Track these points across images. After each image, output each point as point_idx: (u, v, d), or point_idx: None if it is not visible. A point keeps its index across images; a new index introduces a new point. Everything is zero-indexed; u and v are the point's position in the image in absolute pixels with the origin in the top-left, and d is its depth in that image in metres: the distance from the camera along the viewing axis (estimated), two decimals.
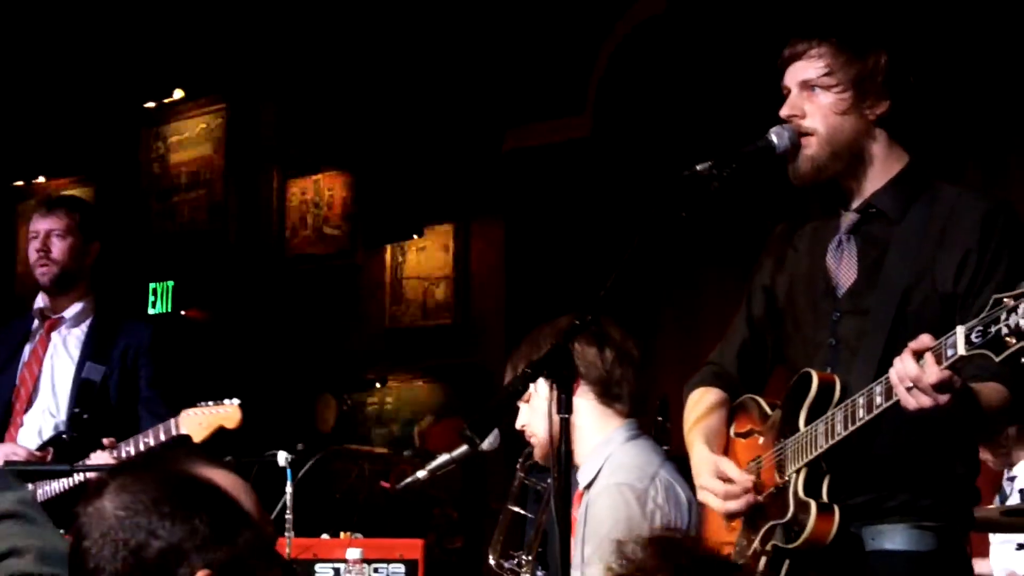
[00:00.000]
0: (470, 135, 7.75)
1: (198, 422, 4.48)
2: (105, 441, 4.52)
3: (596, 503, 3.41)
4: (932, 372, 2.64)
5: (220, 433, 4.49)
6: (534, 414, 3.61)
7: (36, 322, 4.99)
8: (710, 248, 6.93)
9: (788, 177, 3.14)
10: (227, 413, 4.50)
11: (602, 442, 3.53)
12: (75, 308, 4.99)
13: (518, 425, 3.68)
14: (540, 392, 3.55)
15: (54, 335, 4.98)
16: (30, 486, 4.62)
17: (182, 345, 8.10)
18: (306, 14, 8.10)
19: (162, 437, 4.51)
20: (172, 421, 4.51)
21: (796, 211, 3.37)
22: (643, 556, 1.64)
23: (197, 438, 4.47)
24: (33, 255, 4.94)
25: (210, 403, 4.51)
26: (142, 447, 4.52)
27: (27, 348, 4.95)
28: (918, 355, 2.67)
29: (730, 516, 3.14)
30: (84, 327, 4.99)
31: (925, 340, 2.67)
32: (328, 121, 8.24)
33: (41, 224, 4.97)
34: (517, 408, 3.63)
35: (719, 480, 3.13)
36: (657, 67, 7.31)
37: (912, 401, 2.68)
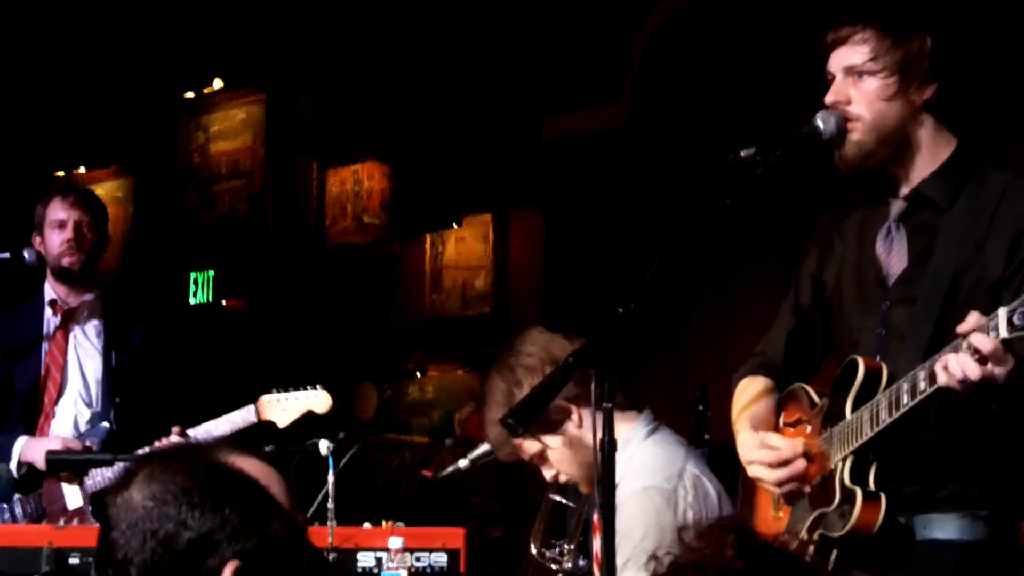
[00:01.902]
0: (508, 124, 7.73)
1: (282, 408, 4.50)
2: (174, 429, 4.53)
3: (624, 509, 3.36)
4: (985, 342, 2.61)
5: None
6: (560, 463, 3.59)
7: (49, 311, 5.00)
8: (746, 237, 6.89)
9: (834, 163, 3.11)
10: (316, 398, 4.52)
11: (621, 444, 3.48)
12: (89, 299, 5.01)
13: (548, 478, 3.66)
14: (551, 444, 3.54)
15: (71, 326, 4.98)
16: (88, 480, 4.65)
17: (206, 332, 8.15)
18: (344, 4, 8.10)
19: (239, 424, 4.51)
20: (251, 408, 4.52)
21: (834, 200, 3.35)
22: (706, 541, 1.61)
23: (282, 424, 4.49)
24: (63, 244, 4.94)
25: (290, 389, 4.53)
26: (216, 435, 4.52)
27: (44, 340, 4.96)
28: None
29: (780, 485, 3.10)
30: (98, 320, 5.00)
31: (972, 321, 2.64)
32: (367, 111, 8.24)
33: (70, 214, 4.96)
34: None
35: (765, 450, 3.10)
36: (695, 53, 7.26)
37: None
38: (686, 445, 3.61)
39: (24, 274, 5.02)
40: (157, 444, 4.48)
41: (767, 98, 6.43)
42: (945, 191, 3.05)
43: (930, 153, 3.08)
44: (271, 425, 4.51)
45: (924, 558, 2.95)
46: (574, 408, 3.48)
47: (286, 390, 4.54)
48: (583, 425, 3.47)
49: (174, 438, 4.50)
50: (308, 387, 4.54)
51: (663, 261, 2.85)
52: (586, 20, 7.44)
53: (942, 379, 2.67)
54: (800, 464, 3.05)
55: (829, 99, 3.08)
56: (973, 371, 2.62)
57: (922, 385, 2.76)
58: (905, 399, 2.80)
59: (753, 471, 3.14)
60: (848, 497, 2.92)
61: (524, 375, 3.51)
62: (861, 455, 2.94)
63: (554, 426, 3.50)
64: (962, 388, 2.66)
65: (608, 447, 2.68)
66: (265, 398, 4.53)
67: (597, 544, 2.90)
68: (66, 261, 4.95)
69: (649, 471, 3.42)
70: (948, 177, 3.06)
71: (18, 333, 4.98)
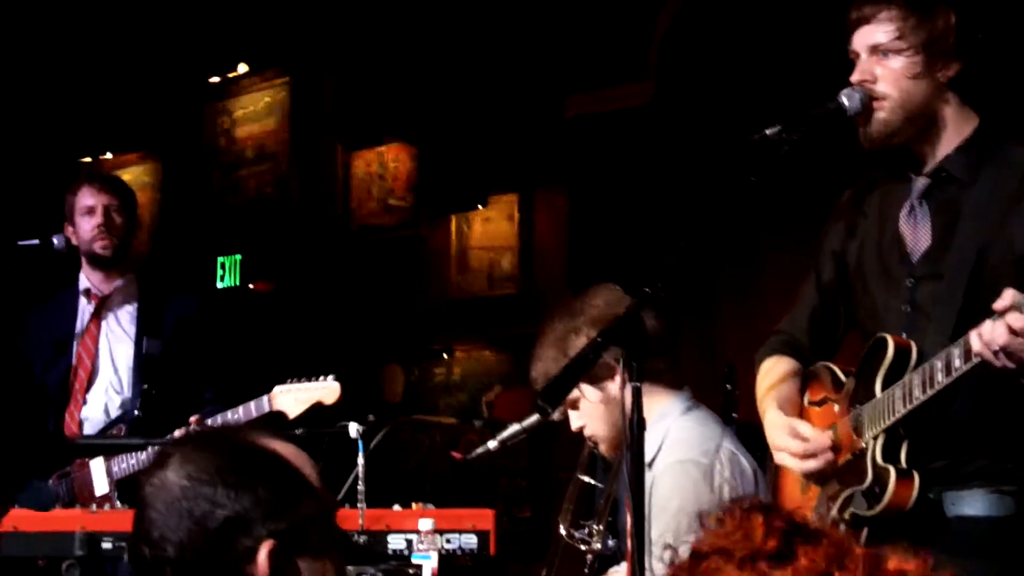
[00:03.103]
0: (532, 103, 7.72)
1: (293, 398, 4.47)
2: (192, 419, 4.54)
3: (661, 482, 3.37)
4: (1019, 320, 2.61)
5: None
6: (588, 417, 3.58)
7: (84, 300, 5.02)
8: (770, 215, 6.87)
9: (858, 141, 3.11)
10: (327, 388, 4.50)
11: (657, 417, 3.48)
12: (121, 285, 5.03)
13: (574, 428, 3.65)
14: (589, 396, 3.53)
15: (104, 313, 5.00)
16: (114, 467, 4.67)
17: (234, 315, 8.16)
18: None
19: (254, 413, 4.50)
20: (265, 398, 4.50)
21: (858, 178, 3.34)
22: (731, 525, 1.59)
23: (292, 414, 4.46)
24: (93, 229, 4.96)
25: (303, 379, 4.51)
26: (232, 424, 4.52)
27: (78, 327, 4.98)
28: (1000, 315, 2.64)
29: (808, 476, 3.11)
30: (133, 304, 5.02)
31: (1008, 298, 2.64)
32: (391, 92, 8.24)
33: (98, 199, 4.99)
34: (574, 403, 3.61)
35: (795, 440, 3.11)
36: (719, 30, 7.24)
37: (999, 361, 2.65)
38: (722, 424, 3.61)
39: (58, 262, 5.04)
40: (177, 433, 4.49)
41: (792, 75, 6.41)
42: (967, 167, 3.04)
43: (954, 130, 3.07)
44: (282, 415, 4.48)
45: (954, 534, 2.95)
46: (619, 369, 3.48)
47: (299, 380, 4.51)
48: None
49: (192, 428, 4.51)
50: (320, 377, 4.51)
51: (689, 239, 2.85)
52: None
53: (976, 345, 2.67)
54: (829, 456, 3.05)
55: (855, 78, 3.07)
56: (1002, 338, 2.62)
57: (957, 363, 2.75)
58: (939, 377, 2.79)
59: (780, 458, 3.15)
60: (881, 475, 2.92)
61: (584, 323, 3.50)
62: (892, 433, 2.93)
63: (596, 379, 3.49)
64: (996, 359, 2.65)
65: (637, 426, 2.68)
66: (278, 388, 4.51)
67: (630, 520, 2.91)
68: (98, 246, 4.98)
69: (686, 445, 3.42)
70: (970, 153, 3.05)
71: (57, 324, 5.02)
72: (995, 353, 2.64)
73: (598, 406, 3.55)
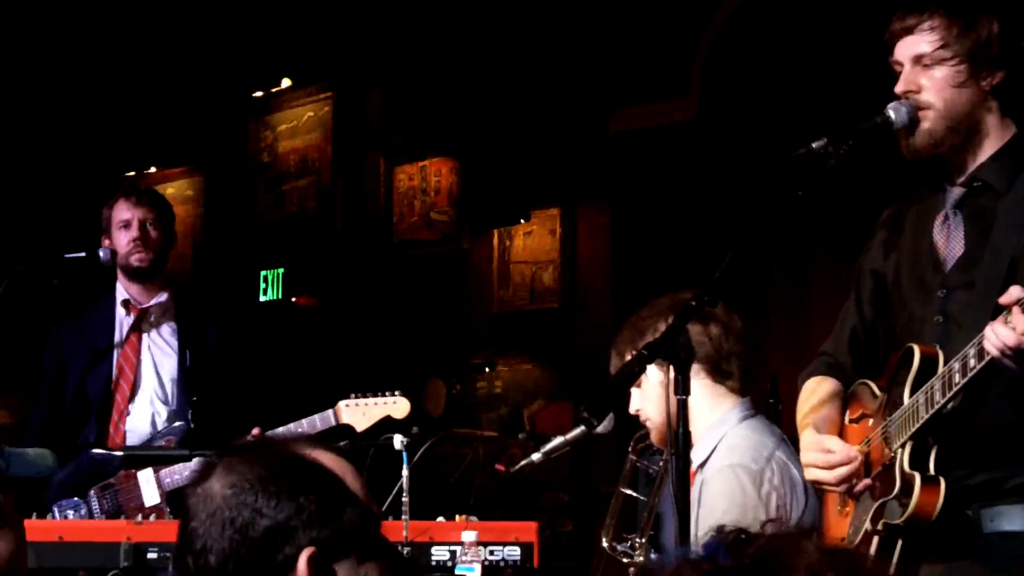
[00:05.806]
0: (575, 118, 7.73)
1: (361, 413, 4.50)
2: (254, 431, 4.55)
3: (711, 485, 3.39)
4: (1021, 322, 2.60)
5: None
6: (647, 399, 3.59)
7: (122, 311, 5.05)
8: (818, 228, 6.85)
9: (902, 152, 3.09)
10: (395, 404, 4.53)
11: (716, 422, 3.50)
12: (160, 298, 5.07)
13: (632, 410, 3.65)
14: (651, 377, 3.53)
15: (144, 325, 5.04)
16: (165, 478, 4.69)
17: (277, 329, 8.19)
18: (410, 2, 8.13)
19: (319, 426, 4.52)
20: (330, 412, 4.53)
21: (907, 192, 3.32)
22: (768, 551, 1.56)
23: (360, 428, 4.50)
24: (129, 243, 5.01)
25: (368, 394, 4.54)
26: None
27: (117, 338, 5.01)
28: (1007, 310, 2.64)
29: (842, 490, 3.09)
30: (172, 318, 5.06)
31: (1014, 293, 2.63)
32: (434, 107, 8.26)
33: (134, 213, 5.04)
34: (629, 393, 3.61)
35: (821, 453, 3.10)
36: (763, 46, 7.23)
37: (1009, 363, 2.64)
38: (779, 435, 3.60)
39: (94, 275, 5.08)
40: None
41: (837, 89, 6.39)
42: (1001, 175, 3.02)
43: (994, 139, 3.05)
44: (349, 428, 4.52)
45: (994, 551, 2.91)
46: (667, 381, 3.47)
47: (365, 395, 4.55)
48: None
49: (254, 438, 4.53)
50: (387, 393, 4.55)
51: (736, 253, 2.84)
52: (653, 14, 7.43)
53: (988, 347, 2.66)
54: (854, 466, 3.03)
55: (899, 89, 3.05)
56: (1010, 339, 2.62)
57: (972, 362, 2.74)
58: (957, 378, 2.77)
59: (811, 474, 3.13)
60: (908, 483, 2.90)
61: (668, 309, 3.47)
62: (920, 440, 2.91)
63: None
64: (1007, 360, 2.64)
65: (683, 440, 2.68)
66: (343, 403, 4.55)
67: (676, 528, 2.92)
68: (134, 259, 5.02)
69: (739, 451, 3.43)
70: (1005, 162, 3.03)
71: (94, 334, 5.05)
72: (1004, 353, 2.64)
73: (659, 389, 3.54)
